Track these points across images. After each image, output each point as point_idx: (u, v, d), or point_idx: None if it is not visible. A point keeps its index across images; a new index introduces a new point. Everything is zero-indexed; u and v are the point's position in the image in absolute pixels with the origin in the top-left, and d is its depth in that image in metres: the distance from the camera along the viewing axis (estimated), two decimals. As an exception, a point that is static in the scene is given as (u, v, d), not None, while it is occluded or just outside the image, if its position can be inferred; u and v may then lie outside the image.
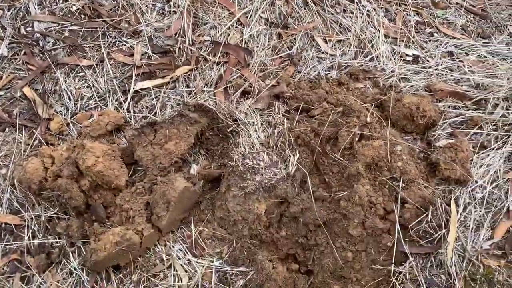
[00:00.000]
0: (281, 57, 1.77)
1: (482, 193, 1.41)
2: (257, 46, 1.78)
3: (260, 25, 1.83)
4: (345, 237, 1.45)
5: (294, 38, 1.82)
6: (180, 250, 1.36)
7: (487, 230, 1.36)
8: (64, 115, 1.63)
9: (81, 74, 1.73)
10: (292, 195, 1.45)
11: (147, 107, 1.65)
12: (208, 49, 1.77)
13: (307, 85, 1.67)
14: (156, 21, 1.86)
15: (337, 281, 1.45)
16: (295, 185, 1.48)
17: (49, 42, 1.77)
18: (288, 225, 1.50)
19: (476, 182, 1.42)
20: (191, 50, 1.76)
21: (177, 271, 1.32)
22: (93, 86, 1.69)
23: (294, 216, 1.48)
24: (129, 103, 1.64)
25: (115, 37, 1.82)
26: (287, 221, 1.50)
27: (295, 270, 1.51)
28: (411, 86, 1.66)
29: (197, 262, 1.33)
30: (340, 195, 1.46)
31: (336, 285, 1.43)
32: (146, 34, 1.81)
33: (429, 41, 1.81)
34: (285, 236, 1.49)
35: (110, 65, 1.75)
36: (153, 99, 1.65)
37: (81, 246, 1.38)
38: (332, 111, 1.53)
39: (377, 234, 1.40)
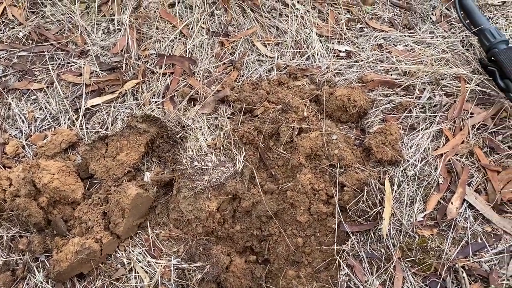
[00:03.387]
0: (224, 63, 1.88)
1: (413, 170, 1.54)
2: (201, 55, 1.88)
3: (202, 35, 1.93)
4: (295, 225, 1.56)
5: (236, 45, 1.93)
6: (140, 253, 1.45)
7: (420, 203, 1.49)
8: (19, 138, 1.69)
9: (33, 97, 1.80)
10: (242, 191, 1.56)
11: (99, 122, 1.73)
12: (154, 62, 1.87)
13: (250, 87, 1.77)
14: (102, 40, 1.94)
15: (291, 266, 1.56)
16: (245, 181, 1.59)
17: (-1, 69, 1.84)
18: (242, 220, 1.60)
19: (408, 161, 1.55)
20: (138, 64, 1.85)
21: (138, 273, 1.41)
22: (45, 107, 1.76)
23: (246, 210, 1.59)
24: (81, 121, 1.72)
25: (63, 58, 1.89)
26: (241, 215, 1.60)
27: (253, 261, 1.61)
28: (345, 79, 1.79)
29: (156, 262, 1.41)
30: (286, 186, 1.57)
31: (291, 270, 1.54)
32: (93, 53, 1.89)
33: (360, 36, 1.95)
34: (240, 230, 1.59)
35: (61, 86, 1.82)
36: (104, 114, 1.73)
37: (45, 260, 1.44)
38: (273, 109, 1.65)
39: (322, 218, 1.52)
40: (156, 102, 1.73)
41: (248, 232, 1.61)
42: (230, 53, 1.91)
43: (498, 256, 1.38)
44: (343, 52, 1.89)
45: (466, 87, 1.68)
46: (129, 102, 1.75)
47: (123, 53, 1.89)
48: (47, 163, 1.48)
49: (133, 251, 1.45)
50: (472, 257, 1.38)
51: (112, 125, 1.71)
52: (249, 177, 1.60)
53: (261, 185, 1.60)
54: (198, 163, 1.49)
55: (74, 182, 1.49)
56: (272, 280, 1.58)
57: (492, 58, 1.67)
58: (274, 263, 1.60)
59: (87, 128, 1.71)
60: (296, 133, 1.59)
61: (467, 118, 1.62)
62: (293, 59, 1.89)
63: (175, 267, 1.41)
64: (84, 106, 1.75)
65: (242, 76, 1.85)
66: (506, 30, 1.89)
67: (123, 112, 1.73)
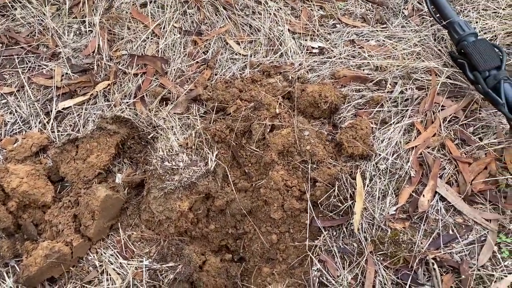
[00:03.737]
0: (197, 62, 1.87)
1: (385, 164, 1.54)
2: (174, 55, 1.87)
3: (174, 35, 1.92)
4: (269, 222, 1.55)
5: (209, 43, 1.92)
6: (112, 255, 1.44)
7: (392, 197, 1.49)
8: (-11, 143, 1.67)
9: (3, 101, 1.77)
10: (215, 190, 1.55)
11: (70, 125, 1.71)
12: (126, 62, 1.85)
13: (223, 85, 1.77)
14: (73, 42, 1.93)
15: (266, 264, 1.56)
16: (218, 180, 1.58)
17: (-33, 74, 1.81)
18: (216, 219, 1.59)
19: (380, 155, 1.56)
20: (109, 65, 1.84)
21: (110, 275, 1.40)
22: (16, 111, 1.74)
23: (220, 209, 1.58)
24: (52, 124, 1.70)
25: (34, 61, 1.87)
26: (215, 214, 1.59)
27: (228, 259, 1.60)
28: (318, 76, 1.79)
29: (128, 264, 1.40)
30: (260, 183, 1.57)
31: (266, 267, 1.54)
32: (65, 55, 1.88)
33: (333, 32, 1.95)
34: (215, 229, 1.59)
35: (32, 89, 1.80)
36: (75, 117, 1.72)
37: (15, 265, 1.43)
38: (245, 107, 1.64)
39: (296, 214, 1.52)
40: (127, 102, 1.71)
41: (223, 231, 1.60)
42: (203, 52, 1.90)
43: (469, 246, 1.39)
44: (316, 48, 1.89)
45: (437, 80, 1.69)
46: (100, 103, 1.74)
47: (94, 54, 1.88)
48: (16, 167, 1.46)
49: (105, 253, 1.44)
50: (443, 248, 1.39)
51: (83, 127, 1.69)
52: (222, 176, 1.60)
53: (235, 183, 1.59)
54: (168, 163, 1.48)
55: (43, 186, 1.48)
56: (248, 278, 1.57)
57: (462, 50, 1.68)
58: (250, 261, 1.59)
59: (58, 131, 1.70)
60: (268, 130, 1.59)
61: (439, 111, 1.63)
62: (266, 57, 1.88)
63: (147, 268, 1.40)
64: (55, 109, 1.73)
65: (216, 74, 1.84)
66: (476, 22, 1.90)
67: (95, 114, 1.71)
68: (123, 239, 1.46)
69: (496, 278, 1.32)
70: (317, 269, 1.39)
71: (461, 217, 1.44)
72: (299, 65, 1.83)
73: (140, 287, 1.37)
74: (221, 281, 1.49)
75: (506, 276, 1.32)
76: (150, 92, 1.75)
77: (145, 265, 1.40)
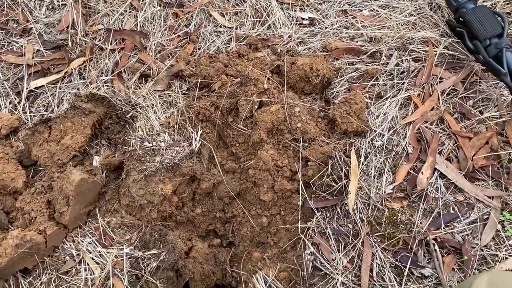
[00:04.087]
0: (178, 36, 1.75)
1: (381, 141, 1.45)
2: (153, 28, 1.75)
3: (154, 7, 1.79)
4: (259, 204, 1.46)
5: (191, 16, 1.80)
6: (90, 243, 1.34)
7: (388, 175, 1.40)
8: (-45, 126, 1.54)
9: (-30, 81, 1.64)
10: (201, 171, 1.45)
11: (44, 105, 1.59)
12: (103, 37, 1.73)
13: (207, 60, 1.65)
14: (46, 17, 1.79)
15: (257, 248, 1.47)
16: (203, 161, 1.48)
17: None
18: (202, 202, 1.50)
19: (375, 131, 1.46)
20: (85, 41, 1.71)
21: (88, 265, 1.30)
22: (-16, 92, 1.61)
23: (207, 192, 1.48)
24: (24, 104, 1.58)
25: (3, 38, 1.74)
26: (201, 198, 1.49)
27: (217, 244, 1.52)
28: (309, 48, 1.68)
29: (107, 252, 1.30)
30: (248, 164, 1.47)
31: (256, 252, 1.45)
32: (36, 31, 1.75)
33: (324, 2, 1.83)
34: (202, 213, 1.49)
35: (1, 67, 1.67)
36: (49, 96, 1.59)
37: (-15, 257, 1.32)
38: (231, 83, 1.53)
39: (287, 195, 1.42)
40: (104, 80, 1.59)
41: (210, 214, 1.51)
42: (185, 25, 1.78)
43: (471, 226, 1.31)
44: (306, 19, 1.78)
45: (435, 51, 1.59)
46: (75, 82, 1.62)
47: (68, 29, 1.75)
48: (-18, 151, 1.35)
49: (82, 241, 1.34)
50: (444, 228, 1.30)
51: (58, 107, 1.57)
52: (208, 157, 1.49)
53: (222, 165, 1.49)
54: (149, 143, 1.37)
55: (13, 170, 1.36)
56: (238, 263, 1.49)
57: (460, 18, 1.57)
58: (239, 245, 1.51)
59: (30, 112, 1.58)
60: (256, 107, 1.48)
61: (436, 84, 1.54)
62: (253, 29, 1.76)
63: (128, 256, 1.30)
64: (27, 88, 1.61)
65: (199, 49, 1.72)
66: (475, -10, 1.79)
67: (69, 93, 1.59)
68: (101, 225, 1.36)
69: (500, 258, 1.24)
70: (311, 252, 1.30)
71: (462, 194, 1.36)
72: (288, 37, 1.72)
73: (120, 277, 1.28)
74: (209, 267, 1.40)
75: (511, 255, 1.24)
76: (129, 69, 1.63)
77: (126, 253, 1.30)
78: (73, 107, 1.45)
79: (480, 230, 1.30)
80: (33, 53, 1.70)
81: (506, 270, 1.22)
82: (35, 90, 1.61)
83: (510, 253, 1.25)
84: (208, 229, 1.53)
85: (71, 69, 1.64)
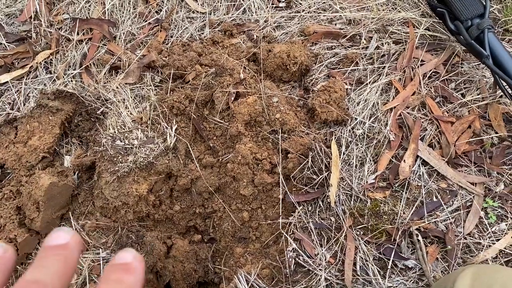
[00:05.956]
0: (149, 23, 1.66)
1: (362, 129, 1.41)
2: (122, 16, 1.66)
3: (122, -7, 1.69)
4: (239, 198, 1.42)
5: (162, 1, 1.71)
6: (64, 248, 1.28)
7: (370, 164, 1.37)
8: None
9: None
10: (177, 168, 1.40)
11: (9, 103, 1.51)
12: (69, 27, 1.63)
13: (180, 49, 1.58)
14: (6, 7, 1.69)
15: (239, 243, 1.44)
16: (180, 156, 1.42)
17: None
18: (181, 199, 1.45)
19: (356, 119, 1.42)
20: (50, 32, 1.61)
21: (63, 271, 1.25)
22: None
23: (185, 188, 1.44)
24: (-13, 103, 1.50)
25: (-39, 31, 1.63)
26: (179, 194, 1.45)
27: (198, 240, 1.48)
28: (286, 33, 1.62)
29: (82, 257, 1.26)
30: (227, 158, 1.42)
31: (238, 247, 1.42)
32: (-3, 22, 1.64)
33: (300, -17, 1.75)
34: (180, 210, 1.45)
35: (-40, 63, 1.57)
36: (14, 93, 1.51)
37: (-46, 267, 1.26)
38: (205, 73, 1.46)
39: (268, 189, 1.38)
40: (71, 74, 1.51)
41: (189, 211, 1.47)
42: (156, 11, 1.69)
43: (454, 213, 1.29)
44: (282, 2, 1.70)
45: (415, 33, 1.54)
46: (42, 76, 1.53)
47: (32, 20, 1.65)
48: None
49: (56, 247, 1.28)
50: (427, 217, 1.28)
51: (24, 105, 1.49)
52: (184, 152, 1.44)
53: (199, 160, 1.44)
54: (120, 141, 1.31)
55: (-22, 176, 1.29)
56: (220, 259, 1.45)
57: (441, -2, 1.52)
58: (221, 241, 1.47)
59: (-5, 111, 1.49)
60: (232, 98, 1.42)
61: (418, 67, 1.49)
62: (227, 14, 1.69)
63: (105, 260, 1.26)
64: (-10, 86, 1.52)
65: (171, 37, 1.64)
66: (456, -34, 1.73)
67: (36, 89, 1.51)
68: (76, 229, 1.31)
69: (484, 246, 1.23)
70: (293, 249, 1.27)
71: (445, 181, 1.34)
72: (265, 21, 1.64)
73: (98, 282, 1.23)
74: (190, 266, 1.36)
75: (494, 243, 1.23)
76: (98, 61, 1.55)
77: (102, 257, 1.26)
78: (39, 105, 1.37)
79: (463, 217, 1.28)
80: (-5, 47, 1.60)
81: (486, 262, 1.21)
82: (-2, 87, 1.53)
83: (493, 240, 1.24)
84: (188, 225, 1.49)
85: (37, 63, 1.55)
